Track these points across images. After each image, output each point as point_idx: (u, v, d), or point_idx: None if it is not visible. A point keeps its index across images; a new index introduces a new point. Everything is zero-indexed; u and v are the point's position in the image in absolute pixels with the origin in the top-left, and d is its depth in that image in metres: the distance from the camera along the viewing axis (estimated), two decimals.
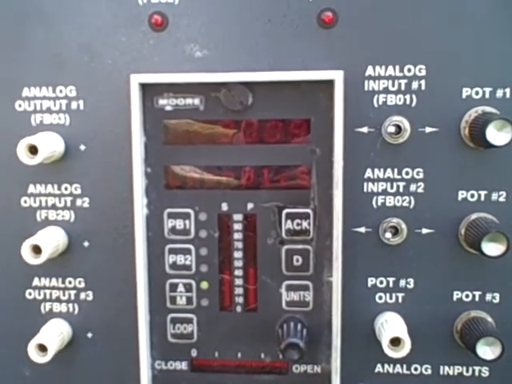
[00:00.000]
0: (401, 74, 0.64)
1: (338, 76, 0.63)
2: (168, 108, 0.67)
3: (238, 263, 0.69)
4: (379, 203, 0.66)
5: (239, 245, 0.68)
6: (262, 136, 0.66)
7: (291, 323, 0.66)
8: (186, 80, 0.65)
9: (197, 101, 0.66)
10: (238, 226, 0.68)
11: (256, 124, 0.66)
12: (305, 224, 0.67)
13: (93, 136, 0.68)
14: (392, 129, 0.64)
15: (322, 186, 0.66)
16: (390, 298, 0.67)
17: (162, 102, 0.67)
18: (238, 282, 0.69)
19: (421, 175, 0.65)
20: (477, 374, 0.68)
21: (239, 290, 0.69)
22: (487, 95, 0.64)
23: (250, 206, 0.67)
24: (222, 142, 0.67)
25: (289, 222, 0.67)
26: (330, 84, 0.64)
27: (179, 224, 0.68)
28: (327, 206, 0.66)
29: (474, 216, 0.65)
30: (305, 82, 0.64)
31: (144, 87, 0.66)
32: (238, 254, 0.68)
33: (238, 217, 0.68)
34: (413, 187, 0.65)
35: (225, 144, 0.67)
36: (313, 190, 0.66)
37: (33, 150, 0.64)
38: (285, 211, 0.67)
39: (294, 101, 0.65)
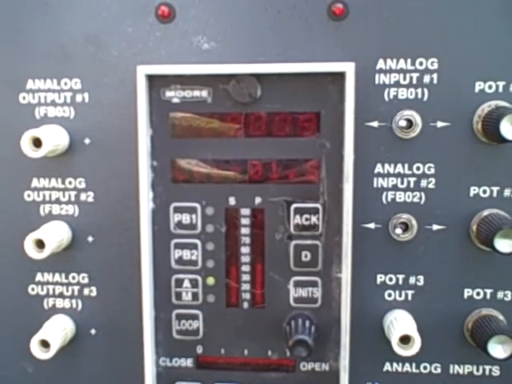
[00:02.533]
0: (412, 68, 0.63)
1: (349, 68, 0.62)
2: (175, 100, 0.66)
3: (246, 259, 0.68)
4: (389, 199, 0.65)
5: (246, 240, 0.67)
6: (270, 129, 0.65)
7: (299, 320, 0.65)
8: (193, 71, 0.64)
9: (204, 93, 0.65)
10: (245, 221, 0.67)
11: (264, 117, 0.65)
12: (314, 219, 0.66)
13: (98, 129, 0.67)
14: (403, 123, 0.63)
15: (332, 181, 0.65)
16: (400, 295, 0.66)
17: (168, 93, 0.66)
18: (245, 277, 0.68)
19: (432, 170, 0.64)
20: (487, 373, 0.67)
21: (246, 286, 0.68)
22: (500, 89, 0.63)
23: (257, 200, 0.66)
24: (229, 136, 0.66)
25: (297, 216, 0.66)
26: (340, 76, 0.63)
27: (185, 218, 0.67)
28: (337, 200, 0.65)
29: (486, 212, 0.64)
30: (315, 75, 0.63)
31: (151, 79, 0.65)
32: (245, 250, 0.67)
33: (245, 211, 0.67)
34: (423, 183, 0.64)
35: (233, 137, 0.66)
36: (322, 185, 0.65)
37: (37, 142, 0.63)
38: (293, 206, 0.66)
39: (304, 93, 0.64)
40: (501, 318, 0.65)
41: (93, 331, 0.70)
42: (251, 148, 0.66)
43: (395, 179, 0.65)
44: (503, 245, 0.60)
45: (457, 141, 0.63)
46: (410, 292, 0.66)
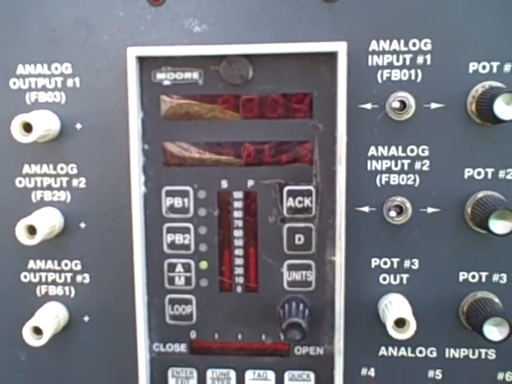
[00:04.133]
0: (405, 49, 0.63)
1: (341, 48, 0.61)
2: (166, 82, 0.65)
3: (238, 242, 0.67)
4: (383, 182, 0.65)
5: (239, 223, 0.67)
6: (262, 111, 0.65)
7: (293, 303, 0.65)
8: (184, 53, 0.63)
9: (195, 75, 0.65)
10: (238, 204, 0.66)
11: (256, 98, 0.64)
12: (307, 201, 0.65)
13: (89, 114, 0.66)
14: (396, 105, 0.62)
15: (325, 163, 0.64)
16: (395, 279, 0.66)
17: (159, 76, 0.65)
18: (238, 261, 0.67)
19: (426, 153, 0.64)
20: (483, 356, 0.66)
21: (239, 270, 0.67)
22: (494, 70, 0.62)
23: (250, 183, 0.66)
24: (221, 118, 0.65)
25: (290, 199, 0.65)
26: (332, 57, 0.62)
27: (178, 202, 0.67)
28: (330, 183, 0.64)
29: (480, 194, 0.63)
30: (307, 55, 0.63)
31: (141, 61, 0.65)
32: (238, 233, 0.67)
33: (238, 194, 0.66)
34: (418, 165, 0.64)
35: (224, 119, 0.65)
36: (315, 167, 0.65)
37: (27, 127, 0.63)
38: (286, 188, 0.65)
39: (296, 75, 0.64)
40: (496, 300, 0.64)
41: (86, 318, 0.69)
42: (243, 130, 0.65)
43: (389, 162, 0.64)
44: (498, 226, 0.60)
45: (451, 122, 0.63)
46: (404, 275, 0.66)
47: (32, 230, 0.64)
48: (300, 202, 0.65)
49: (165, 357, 0.69)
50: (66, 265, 0.69)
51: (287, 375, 0.69)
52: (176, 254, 0.68)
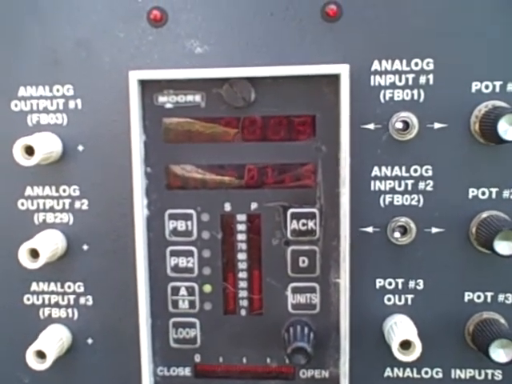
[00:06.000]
0: (408, 69, 0.63)
1: (343, 70, 0.61)
2: (168, 105, 0.65)
3: (242, 265, 0.67)
4: (387, 202, 0.64)
5: (243, 246, 0.66)
6: (265, 133, 0.64)
7: (298, 326, 0.65)
8: (186, 76, 0.63)
9: (198, 98, 0.65)
10: (241, 227, 0.66)
11: (259, 121, 0.64)
12: (311, 224, 0.65)
13: (91, 136, 0.66)
14: (399, 125, 0.62)
15: (329, 185, 0.64)
16: (399, 299, 0.66)
17: (161, 99, 0.65)
18: (242, 284, 0.67)
19: (430, 173, 0.63)
20: (490, 377, 0.66)
21: (243, 293, 0.67)
22: (497, 89, 0.62)
23: (253, 205, 0.66)
24: (224, 140, 0.65)
25: (294, 222, 0.65)
26: (335, 79, 0.62)
27: (181, 225, 0.66)
28: (334, 205, 0.64)
29: (485, 214, 0.63)
30: (309, 77, 0.63)
31: (143, 84, 0.64)
32: (241, 256, 0.67)
33: (241, 217, 0.66)
34: (421, 185, 0.64)
35: (227, 142, 0.65)
36: (319, 189, 0.65)
37: (29, 150, 0.63)
38: (290, 211, 0.65)
39: (299, 96, 0.64)
40: (502, 321, 0.64)
41: (89, 340, 0.69)
42: (246, 153, 0.65)
43: (393, 182, 0.64)
44: (503, 247, 0.59)
45: (454, 142, 0.63)
46: (409, 296, 0.65)
47: (35, 254, 0.64)
48: (304, 225, 0.65)
49: (169, 380, 0.69)
50: (69, 287, 0.69)
51: None
52: (179, 277, 0.67)
